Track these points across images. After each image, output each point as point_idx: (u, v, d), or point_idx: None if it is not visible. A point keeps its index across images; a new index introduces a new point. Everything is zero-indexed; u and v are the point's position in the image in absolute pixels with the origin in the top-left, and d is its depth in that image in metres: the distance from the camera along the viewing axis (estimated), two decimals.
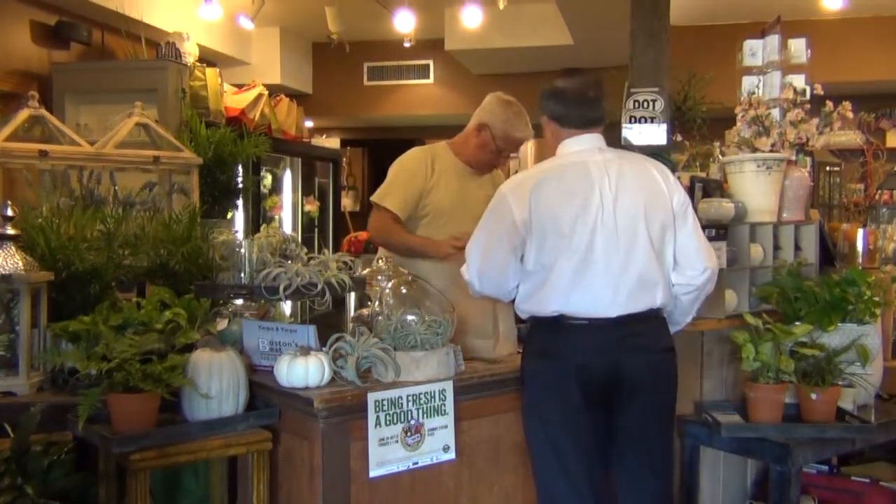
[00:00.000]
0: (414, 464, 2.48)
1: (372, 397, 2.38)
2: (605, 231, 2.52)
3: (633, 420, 2.57)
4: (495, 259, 2.61)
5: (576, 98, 2.69)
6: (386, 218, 3.33)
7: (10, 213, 2.55)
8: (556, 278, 2.53)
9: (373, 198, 3.36)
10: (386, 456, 2.41)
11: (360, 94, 9.34)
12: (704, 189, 3.70)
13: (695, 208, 3.60)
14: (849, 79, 6.78)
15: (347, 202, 10.11)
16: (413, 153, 3.45)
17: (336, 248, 6.77)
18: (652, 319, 2.60)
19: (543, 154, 2.83)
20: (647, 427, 2.60)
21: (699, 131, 4.52)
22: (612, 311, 2.52)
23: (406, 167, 3.39)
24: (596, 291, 2.52)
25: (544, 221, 2.54)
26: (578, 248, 2.51)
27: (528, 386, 2.64)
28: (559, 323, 2.55)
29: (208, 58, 7.03)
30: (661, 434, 2.64)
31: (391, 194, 3.33)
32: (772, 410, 2.92)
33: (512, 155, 4.01)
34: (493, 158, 3.43)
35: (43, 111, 3.27)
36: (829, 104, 3.73)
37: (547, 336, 2.62)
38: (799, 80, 3.71)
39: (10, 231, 2.53)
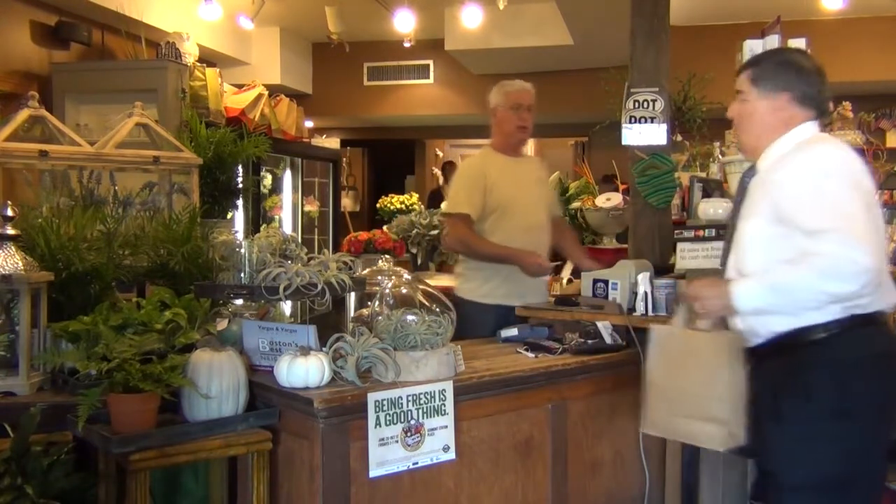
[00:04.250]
0: (414, 464, 2.47)
1: (372, 397, 2.37)
2: None
3: None
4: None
5: (819, 79, 2.30)
6: (462, 225, 3.56)
7: (10, 213, 2.54)
8: None
9: (444, 210, 3.64)
10: (386, 456, 2.41)
11: (360, 94, 9.33)
12: (704, 189, 3.70)
13: (694, 208, 3.62)
14: (849, 79, 6.77)
15: (347, 202, 10.13)
16: (467, 162, 3.85)
17: (336, 249, 6.77)
18: None
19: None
20: None
21: (699, 131, 4.51)
22: None
23: (464, 174, 3.77)
24: None
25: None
26: None
27: None
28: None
29: (208, 58, 7.03)
30: None
31: (460, 200, 3.60)
32: None
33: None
34: (518, 123, 3.71)
35: (43, 111, 3.26)
36: (829, 104, 3.71)
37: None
38: None
39: (10, 231, 2.53)
